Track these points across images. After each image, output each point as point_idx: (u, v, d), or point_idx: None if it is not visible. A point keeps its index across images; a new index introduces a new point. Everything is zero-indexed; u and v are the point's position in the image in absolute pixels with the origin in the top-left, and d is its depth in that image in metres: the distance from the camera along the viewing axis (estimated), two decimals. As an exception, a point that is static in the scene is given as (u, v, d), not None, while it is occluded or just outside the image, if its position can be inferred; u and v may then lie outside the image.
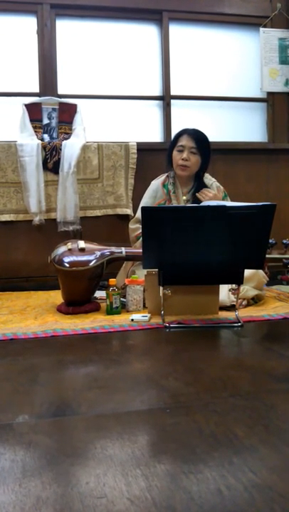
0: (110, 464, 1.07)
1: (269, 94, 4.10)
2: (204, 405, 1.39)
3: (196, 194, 2.89)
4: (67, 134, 3.64)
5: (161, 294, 2.40)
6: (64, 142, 3.54)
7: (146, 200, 3.03)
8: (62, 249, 2.74)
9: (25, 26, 3.72)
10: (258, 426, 1.24)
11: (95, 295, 2.83)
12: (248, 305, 2.72)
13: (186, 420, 1.29)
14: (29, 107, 3.59)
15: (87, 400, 1.46)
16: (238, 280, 2.40)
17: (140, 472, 1.03)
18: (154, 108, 3.97)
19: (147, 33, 3.95)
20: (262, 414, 1.32)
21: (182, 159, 2.91)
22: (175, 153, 2.95)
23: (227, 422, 1.26)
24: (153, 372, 1.72)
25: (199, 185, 3.01)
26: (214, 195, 2.87)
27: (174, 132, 3.14)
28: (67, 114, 3.65)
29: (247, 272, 2.48)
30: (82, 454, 1.11)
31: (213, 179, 3.08)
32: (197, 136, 2.94)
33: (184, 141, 2.94)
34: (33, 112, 3.60)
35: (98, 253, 2.70)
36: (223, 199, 3.00)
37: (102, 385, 1.59)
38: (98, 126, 3.79)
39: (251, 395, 1.46)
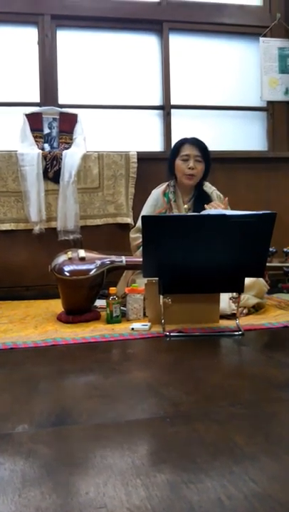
0: (110, 473, 1.06)
1: (269, 103, 4.13)
2: (204, 414, 1.38)
3: (205, 206, 2.83)
4: (68, 144, 3.65)
5: (161, 303, 2.39)
6: (64, 152, 3.55)
7: (147, 209, 3.03)
8: (62, 258, 2.74)
9: (26, 37, 3.76)
10: (259, 435, 1.23)
11: (95, 304, 2.82)
12: (248, 313, 2.72)
13: (186, 429, 1.28)
14: (30, 116, 3.61)
15: (87, 409, 1.45)
16: (239, 288, 2.40)
17: (140, 482, 1.02)
18: (155, 117, 3.99)
19: (148, 43, 3.98)
20: (263, 422, 1.32)
21: (189, 168, 2.91)
22: (179, 162, 2.95)
23: (227, 431, 1.25)
24: (153, 381, 1.71)
25: (200, 193, 3.02)
26: (224, 209, 2.83)
27: (174, 141, 3.16)
28: (67, 123, 3.67)
29: (247, 281, 2.48)
30: (82, 464, 1.11)
31: (213, 187, 3.09)
32: (199, 145, 2.96)
33: (188, 150, 2.94)
34: (34, 121, 3.62)
35: (98, 262, 2.70)
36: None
37: (102, 394, 1.58)
38: (98, 135, 3.81)
39: (252, 404, 1.46)
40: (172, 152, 3.04)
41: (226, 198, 3.01)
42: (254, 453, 1.13)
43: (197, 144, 2.97)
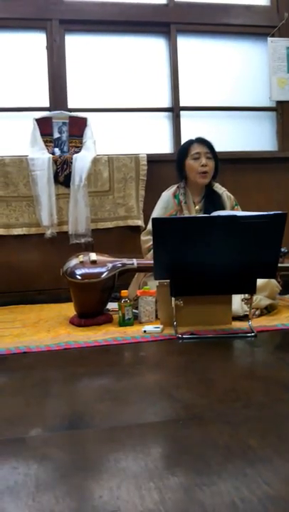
0: (123, 476, 1.06)
1: (278, 103, 4.11)
2: (217, 416, 1.38)
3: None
4: (78, 148, 3.66)
5: (173, 305, 2.39)
6: (75, 156, 3.56)
7: (157, 212, 3.03)
8: (74, 261, 2.75)
9: (35, 42, 3.78)
10: (272, 436, 1.23)
11: (108, 307, 2.83)
12: (261, 315, 2.71)
13: (199, 432, 1.28)
14: (40, 121, 3.63)
15: (100, 412, 1.45)
16: (251, 290, 2.40)
17: (153, 485, 1.02)
18: (164, 119, 4.00)
19: (155, 45, 3.98)
20: (275, 424, 1.31)
21: (202, 166, 2.92)
22: (191, 162, 2.96)
23: (240, 433, 1.25)
24: (166, 383, 1.72)
25: (210, 194, 3.02)
26: None
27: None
28: (77, 127, 3.68)
29: (259, 282, 2.47)
30: (96, 467, 1.11)
31: (224, 188, 3.09)
32: (207, 142, 2.98)
33: (198, 148, 2.96)
34: (44, 126, 3.64)
35: (110, 265, 2.70)
36: (233, 208, 3.00)
37: (115, 397, 1.59)
38: (108, 139, 3.82)
39: (265, 406, 1.45)
40: (180, 153, 3.05)
41: (232, 196, 3.02)
42: (267, 455, 1.13)
43: (205, 142, 2.99)
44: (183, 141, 3.64)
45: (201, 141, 2.99)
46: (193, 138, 3.03)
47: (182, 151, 3.05)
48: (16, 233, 3.52)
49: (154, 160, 3.68)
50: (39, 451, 1.21)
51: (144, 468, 1.10)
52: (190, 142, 3.02)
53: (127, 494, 0.99)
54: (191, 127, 3.93)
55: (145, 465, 1.11)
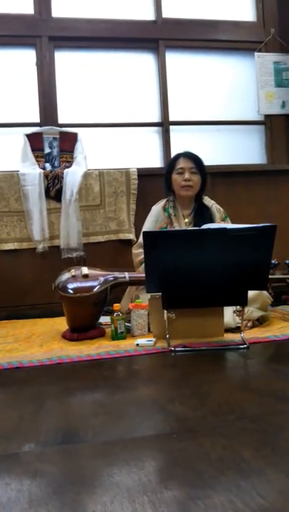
0: (117, 491, 1.06)
1: (266, 116, 4.16)
2: (211, 429, 1.38)
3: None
4: (69, 163, 3.68)
5: (165, 318, 2.39)
6: (66, 170, 3.58)
7: (148, 225, 3.05)
8: (66, 276, 2.75)
9: (25, 59, 3.81)
10: (266, 448, 1.23)
11: (100, 321, 2.83)
12: (253, 326, 2.71)
13: (192, 445, 1.27)
14: (30, 137, 3.65)
15: (93, 426, 1.45)
16: (243, 302, 2.40)
17: (147, 499, 1.02)
18: (154, 134, 4.03)
19: (144, 61, 4.03)
20: (269, 436, 1.31)
21: (184, 180, 2.94)
22: (175, 176, 2.99)
23: (234, 446, 1.25)
24: (159, 397, 1.71)
25: (200, 207, 3.04)
26: None
27: (173, 157, 3.19)
28: (68, 143, 3.71)
29: (251, 293, 2.48)
30: (89, 482, 1.11)
31: (213, 201, 3.11)
32: (193, 157, 3.01)
33: (182, 163, 2.98)
34: (35, 141, 3.66)
35: (102, 279, 2.71)
36: (223, 220, 3.02)
37: (108, 411, 1.58)
38: (99, 153, 3.84)
39: (258, 418, 1.45)
40: (167, 168, 3.09)
41: (221, 209, 3.04)
42: (261, 467, 1.13)
43: (190, 156, 3.02)
44: (173, 155, 3.68)
45: (187, 156, 3.01)
46: (183, 151, 3.06)
47: (168, 165, 3.10)
48: (7, 248, 3.52)
49: (144, 174, 3.70)
50: (32, 466, 1.20)
51: (137, 482, 1.09)
52: (176, 157, 3.05)
53: (121, 508, 0.99)
54: (181, 141, 3.96)
55: (139, 479, 1.10)
